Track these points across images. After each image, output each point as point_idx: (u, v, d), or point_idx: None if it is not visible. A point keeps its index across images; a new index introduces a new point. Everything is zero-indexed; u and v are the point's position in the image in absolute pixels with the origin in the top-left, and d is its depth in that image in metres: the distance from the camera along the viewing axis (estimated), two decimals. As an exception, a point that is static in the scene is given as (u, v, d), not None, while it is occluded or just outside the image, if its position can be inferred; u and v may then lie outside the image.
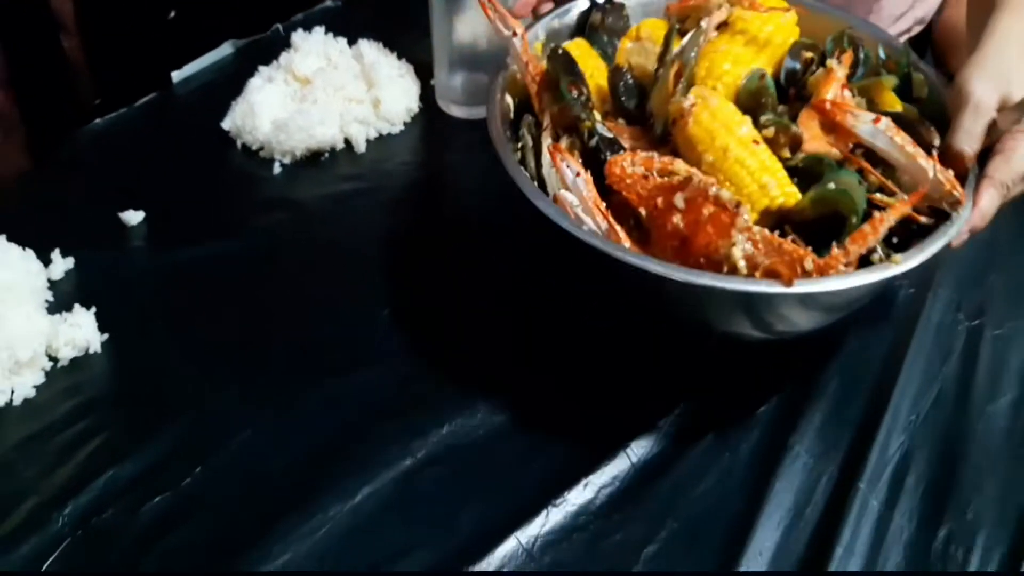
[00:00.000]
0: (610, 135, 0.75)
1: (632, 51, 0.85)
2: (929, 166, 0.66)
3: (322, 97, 1.03)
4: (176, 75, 1.12)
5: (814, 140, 0.70)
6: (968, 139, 0.68)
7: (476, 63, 1.01)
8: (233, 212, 0.93)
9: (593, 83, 0.81)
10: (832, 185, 0.66)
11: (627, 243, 0.66)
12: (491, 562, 0.64)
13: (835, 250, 0.62)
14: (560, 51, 0.82)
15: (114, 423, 0.73)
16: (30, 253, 0.85)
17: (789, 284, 0.60)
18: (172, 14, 1.19)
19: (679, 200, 0.65)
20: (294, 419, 0.74)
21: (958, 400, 0.76)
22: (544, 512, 0.67)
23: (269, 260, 0.89)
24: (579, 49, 0.85)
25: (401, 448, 0.71)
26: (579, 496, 0.67)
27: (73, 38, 1.09)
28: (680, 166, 0.68)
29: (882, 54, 0.79)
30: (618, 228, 0.67)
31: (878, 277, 0.62)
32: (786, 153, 0.70)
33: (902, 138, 0.68)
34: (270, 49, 1.10)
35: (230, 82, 1.07)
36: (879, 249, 0.64)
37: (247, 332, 0.81)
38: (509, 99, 0.83)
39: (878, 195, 0.67)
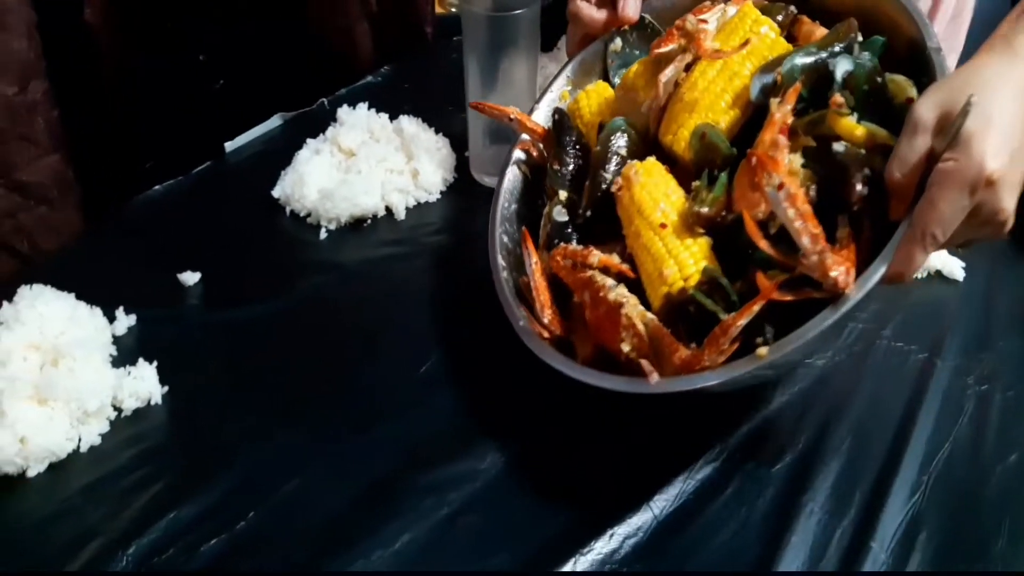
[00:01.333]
0: (563, 219, 0.84)
1: (621, 100, 0.92)
2: (809, 247, 0.64)
3: (365, 168, 1.11)
4: (229, 145, 1.21)
5: (743, 198, 0.70)
6: (899, 164, 0.62)
7: (507, 137, 1.09)
8: (282, 273, 1.00)
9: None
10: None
11: (547, 332, 0.79)
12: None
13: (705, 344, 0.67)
14: (556, 116, 0.92)
15: (174, 469, 0.79)
16: (97, 311, 0.92)
17: (650, 382, 0.67)
18: (220, 83, 1.28)
19: (586, 296, 0.76)
20: (340, 467, 0.79)
21: (969, 460, 0.79)
22: (572, 560, 0.70)
23: (316, 318, 0.95)
24: (596, 94, 0.94)
25: (437, 498, 0.76)
26: (605, 546, 0.71)
27: (126, 107, 1.17)
28: (594, 258, 0.77)
29: (847, 66, 0.72)
30: (547, 313, 0.80)
31: (732, 375, 0.65)
32: (710, 212, 0.73)
33: (796, 211, 0.65)
34: (316, 122, 1.19)
35: (279, 152, 1.15)
36: (765, 330, 0.66)
37: (296, 385, 0.87)
38: (520, 172, 0.94)
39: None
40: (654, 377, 0.67)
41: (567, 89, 0.99)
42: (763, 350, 0.65)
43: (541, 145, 0.96)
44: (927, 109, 0.62)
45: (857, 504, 0.74)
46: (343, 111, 1.18)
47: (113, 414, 0.84)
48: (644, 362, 0.68)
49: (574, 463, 0.79)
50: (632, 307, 0.72)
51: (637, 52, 0.96)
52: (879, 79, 0.71)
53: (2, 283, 0.93)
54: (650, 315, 0.71)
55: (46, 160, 1.08)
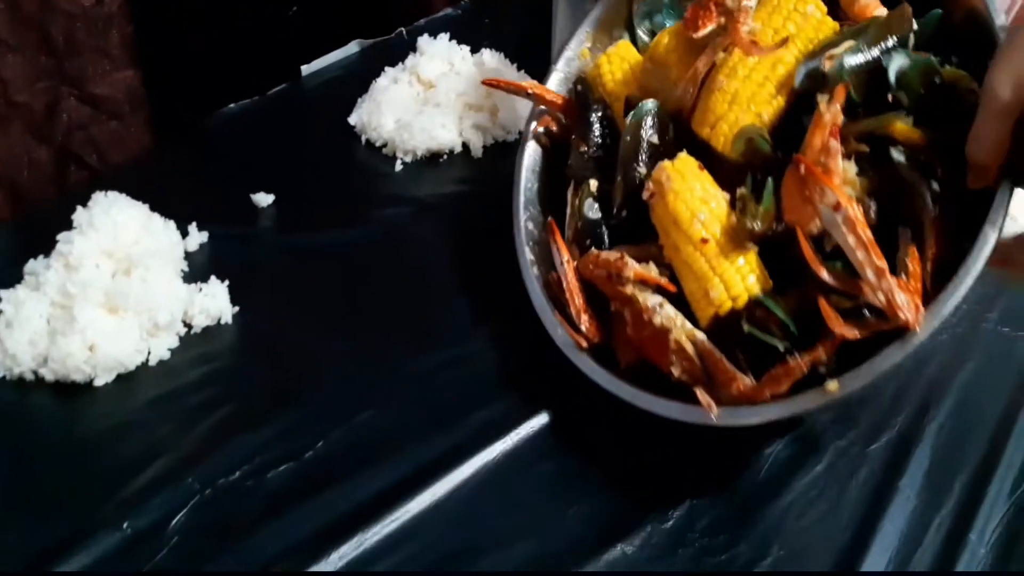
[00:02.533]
0: (595, 216, 0.75)
1: (649, 73, 0.79)
2: (874, 282, 0.58)
3: (444, 101, 1.06)
4: (305, 69, 1.16)
5: (793, 211, 0.62)
6: (978, 145, 0.57)
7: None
8: (356, 202, 0.96)
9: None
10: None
11: (584, 341, 0.71)
12: (597, 564, 0.64)
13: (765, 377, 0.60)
14: (578, 87, 0.83)
15: (242, 391, 0.76)
16: (171, 224, 0.89)
17: (709, 412, 0.61)
18: (294, 9, 1.23)
19: (627, 313, 0.67)
20: (409, 396, 0.75)
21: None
22: (649, 526, 0.66)
23: (387, 249, 0.90)
24: (619, 59, 0.82)
25: (497, 429, 0.72)
26: (683, 515, 0.67)
27: (202, 26, 1.13)
28: (630, 271, 0.67)
29: (901, 63, 0.63)
30: (584, 319, 0.71)
31: (797, 409, 0.60)
32: (760, 228, 0.65)
33: (856, 238, 0.58)
34: (394, 51, 1.13)
35: (356, 80, 1.10)
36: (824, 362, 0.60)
37: (367, 314, 0.83)
38: (541, 147, 0.85)
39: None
40: (714, 411, 0.61)
41: (587, 47, 0.87)
42: (833, 384, 0.59)
43: (562, 117, 0.85)
44: (1003, 81, 0.55)
45: (956, 494, 0.68)
46: (423, 40, 1.12)
47: (183, 330, 0.82)
48: (700, 394, 0.62)
49: (651, 429, 0.74)
50: (680, 330, 0.64)
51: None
52: (936, 78, 0.63)
53: (73, 192, 0.90)
54: (700, 335, 0.64)
55: (120, 74, 1.06)
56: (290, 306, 0.84)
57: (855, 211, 0.60)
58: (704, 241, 0.65)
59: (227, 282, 0.84)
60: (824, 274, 0.60)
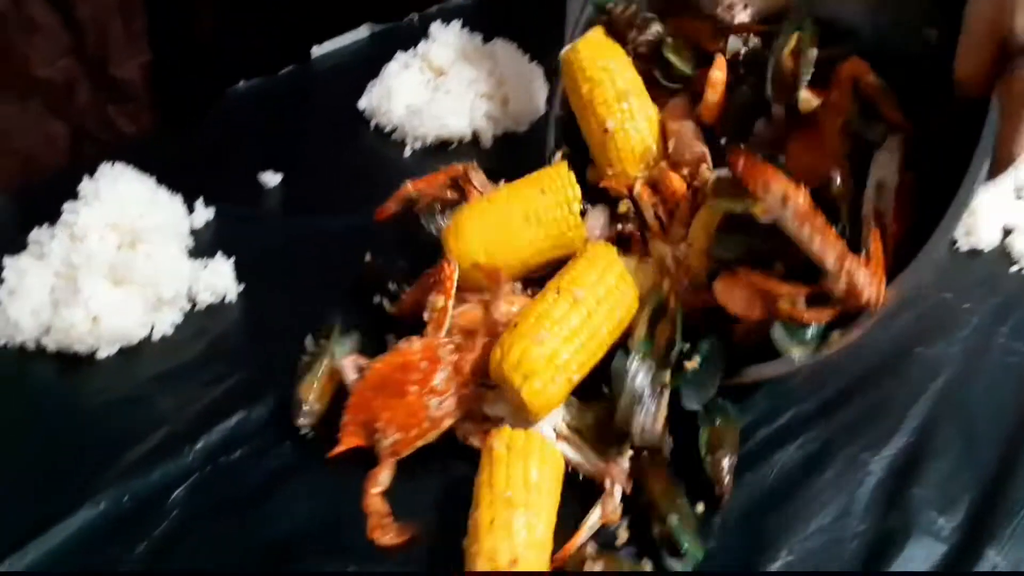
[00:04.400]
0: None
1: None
2: (834, 267, 0.58)
3: (455, 89, 1.04)
4: (315, 50, 1.15)
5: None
6: (965, 61, 0.58)
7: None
8: (365, 186, 0.94)
9: None
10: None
11: None
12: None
13: None
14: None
15: (245, 369, 0.74)
16: (177, 199, 0.87)
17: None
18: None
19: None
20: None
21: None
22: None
23: (393, 236, 0.89)
24: (595, 42, 0.83)
25: None
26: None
27: (212, 7, 1.12)
28: None
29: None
30: None
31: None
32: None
33: (810, 228, 0.58)
34: (405, 37, 1.12)
35: (366, 64, 1.08)
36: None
37: (369, 299, 0.81)
38: None
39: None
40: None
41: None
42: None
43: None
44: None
45: (967, 505, 0.64)
46: (435, 27, 1.10)
47: (187, 306, 0.80)
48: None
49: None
50: None
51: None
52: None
53: (84, 164, 0.89)
54: None
55: (138, 56, 1.04)
56: (294, 287, 0.83)
57: (804, 200, 0.59)
58: None
59: (233, 260, 0.83)
60: (784, 290, 0.61)
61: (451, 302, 0.70)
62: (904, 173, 0.62)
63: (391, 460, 0.64)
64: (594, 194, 0.81)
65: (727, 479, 0.63)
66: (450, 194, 0.86)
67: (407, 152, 1.00)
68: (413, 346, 0.68)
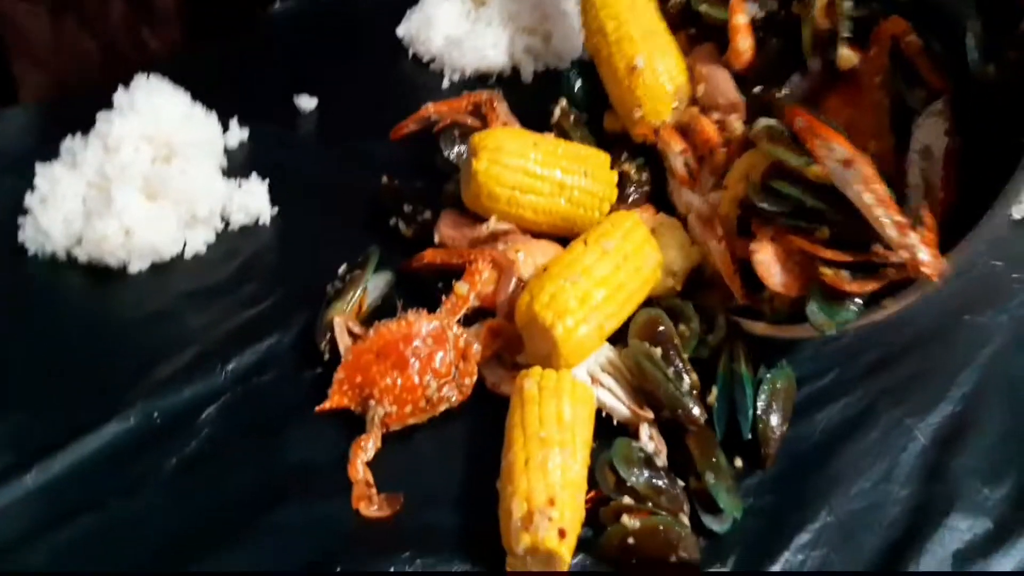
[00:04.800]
0: None
1: None
2: (897, 238, 0.55)
3: (496, 20, 1.00)
4: (354, -27, 1.10)
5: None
6: None
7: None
8: (401, 115, 0.90)
9: None
10: None
11: None
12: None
13: None
14: None
15: (278, 292, 0.73)
16: (213, 116, 0.85)
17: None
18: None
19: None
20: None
21: None
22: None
23: (428, 164, 0.87)
24: None
25: None
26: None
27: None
28: None
29: None
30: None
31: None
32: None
33: (873, 194, 0.56)
34: (448, -36, 1.07)
35: (406, -11, 1.05)
36: None
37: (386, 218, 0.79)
38: None
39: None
40: None
41: None
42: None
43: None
44: None
45: (1013, 480, 0.62)
46: (479, -45, 1.06)
47: (220, 226, 0.78)
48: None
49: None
50: None
51: None
52: None
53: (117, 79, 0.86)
54: None
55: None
56: (327, 212, 0.81)
57: (868, 165, 0.56)
58: None
59: (267, 181, 0.81)
60: (829, 277, 0.59)
61: (473, 295, 0.67)
62: (952, 138, 0.59)
63: (379, 431, 0.61)
64: (610, 143, 0.79)
65: (775, 444, 0.61)
66: (471, 121, 0.83)
67: (445, 83, 0.97)
68: (421, 322, 0.65)
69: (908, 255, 0.56)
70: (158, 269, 0.75)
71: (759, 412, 0.62)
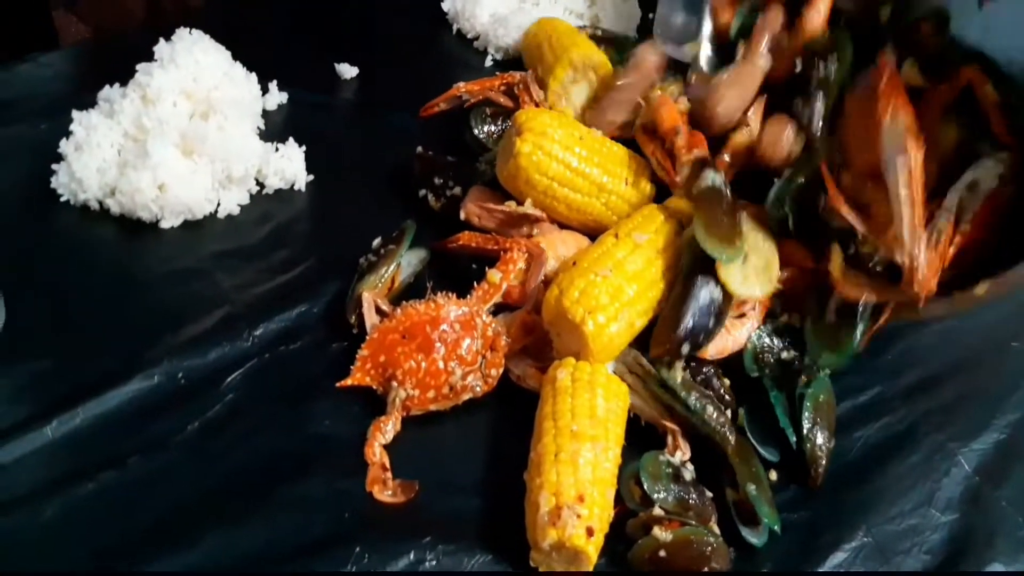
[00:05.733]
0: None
1: None
2: (905, 239, 0.55)
3: (544, 1, 0.98)
4: (403, -56, 1.07)
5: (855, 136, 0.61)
6: None
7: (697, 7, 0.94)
8: (442, 90, 0.87)
9: None
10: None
11: None
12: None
13: None
14: None
15: (311, 259, 0.70)
16: (253, 77, 0.82)
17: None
18: None
19: None
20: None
21: None
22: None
23: (462, 144, 0.83)
24: None
25: None
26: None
27: None
28: None
29: None
30: None
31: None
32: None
33: (908, 192, 0.55)
34: (498, -58, 1.04)
35: (455, -36, 1.01)
36: None
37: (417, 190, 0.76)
38: None
39: None
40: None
41: None
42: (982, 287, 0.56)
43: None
44: None
45: None
46: (531, -66, 1.02)
47: (255, 188, 0.76)
48: None
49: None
50: None
51: None
52: None
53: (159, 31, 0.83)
54: None
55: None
56: (362, 181, 0.78)
57: (918, 163, 0.54)
58: None
59: (304, 148, 0.79)
60: (844, 209, 0.57)
61: (505, 285, 0.64)
62: (1004, 184, 0.57)
63: (399, 414, 0.59)
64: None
65: (824, 463, 0.58)
66: (503, 100, 0.80)
67: (488, 61, 0.94)
68: (450, 306, 0.62)
69: (908, 262, 0.54)
70: (190, 227, 0.72)
71: (805, 431, 0.59)
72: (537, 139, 0.67)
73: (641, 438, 0.59)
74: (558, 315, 0.60)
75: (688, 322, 0.59)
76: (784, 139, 0.65)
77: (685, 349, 0.59)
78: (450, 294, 0.64)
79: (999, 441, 0.62)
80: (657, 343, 0.60)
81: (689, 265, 0.61)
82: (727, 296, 0.60)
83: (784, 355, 0.63)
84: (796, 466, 0.59)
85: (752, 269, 0.62)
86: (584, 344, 0.59)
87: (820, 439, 0.59)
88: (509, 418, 0.60)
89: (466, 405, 0.61)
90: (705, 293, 0.60)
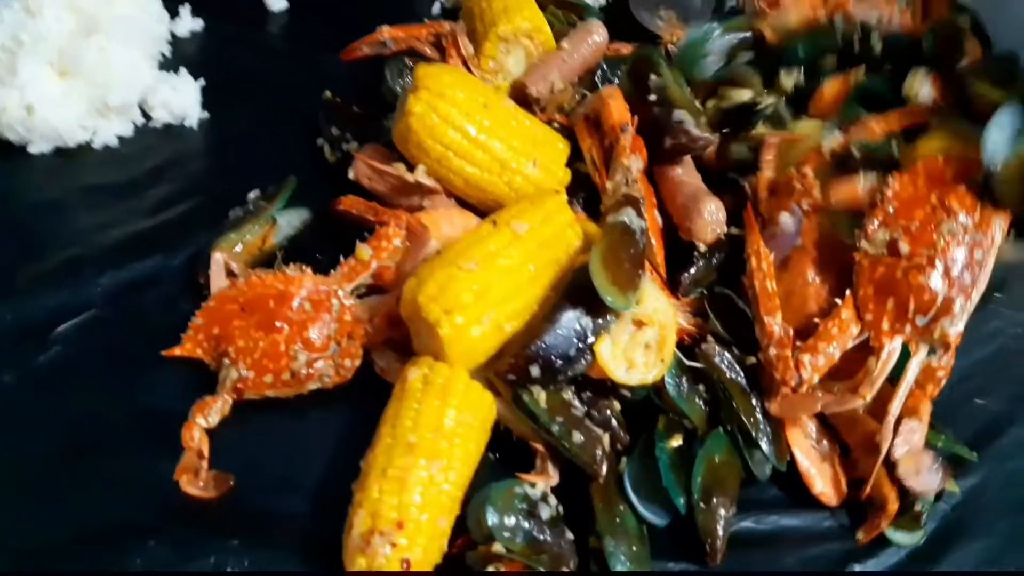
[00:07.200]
0: None
1: None
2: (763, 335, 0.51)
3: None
4: None
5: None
6: None
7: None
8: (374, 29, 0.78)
9: None
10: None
11: None
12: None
13: None
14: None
15: (186, 204, 0.62)
16: (159, -4, 0.73)
17: None
18: None
19: None
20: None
21: None
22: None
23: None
24: None
25: None
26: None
27: None
28: None
29: None
30: None
31: None
32: None
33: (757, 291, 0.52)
34: None
35: None
36: None
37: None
38: None
39: None
40: None
41: None
42: None
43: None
44: None
45: None
46: None
47: (140, 120, 0.67)
48: None
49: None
50: None
51: None
52: None
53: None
54: None
55: None
56: (267, 124, 0.68)
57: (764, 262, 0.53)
58: None
59: (202, 81, 0.69)
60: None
61: (376, 264, 0.54)
62: None
63: (229, 396, 0.50)
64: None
65: (721, 537, 0.47)
66: (429, 52, 0.70)
67: (435, 8, 0.84)
68: (305, 281, 0.52)
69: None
70: (63, 155, 0.64)
71: (696, 496, 0.48)
72: (433, 99, 0.56)
73: (524, 455, 0.50)
74: (414, 311, 0.49)
75: (543, 343, 0.47)
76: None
77: (535, 372, 0.47)
78: (305, 267, 0.54)
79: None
80: (505, 354, 0.49)
81: (571, 286, 0.50)
82: (597, 328, 0.49)
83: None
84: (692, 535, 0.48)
85: (639, 345, 0.50)
86: (440, 348, 0.48)
87: (720, 510, 0.47)
88: (369, 414, 0.50)
89: (320, 395, 0.52)
90: (574, 322, 0.48)
